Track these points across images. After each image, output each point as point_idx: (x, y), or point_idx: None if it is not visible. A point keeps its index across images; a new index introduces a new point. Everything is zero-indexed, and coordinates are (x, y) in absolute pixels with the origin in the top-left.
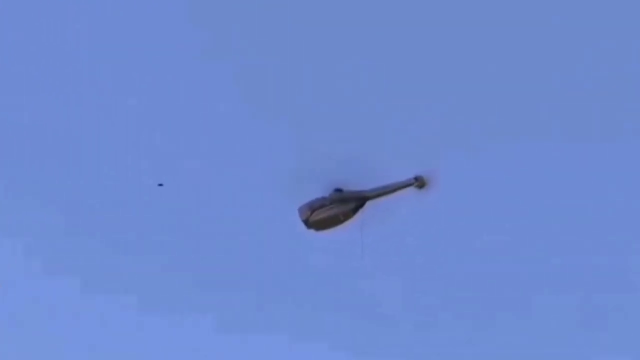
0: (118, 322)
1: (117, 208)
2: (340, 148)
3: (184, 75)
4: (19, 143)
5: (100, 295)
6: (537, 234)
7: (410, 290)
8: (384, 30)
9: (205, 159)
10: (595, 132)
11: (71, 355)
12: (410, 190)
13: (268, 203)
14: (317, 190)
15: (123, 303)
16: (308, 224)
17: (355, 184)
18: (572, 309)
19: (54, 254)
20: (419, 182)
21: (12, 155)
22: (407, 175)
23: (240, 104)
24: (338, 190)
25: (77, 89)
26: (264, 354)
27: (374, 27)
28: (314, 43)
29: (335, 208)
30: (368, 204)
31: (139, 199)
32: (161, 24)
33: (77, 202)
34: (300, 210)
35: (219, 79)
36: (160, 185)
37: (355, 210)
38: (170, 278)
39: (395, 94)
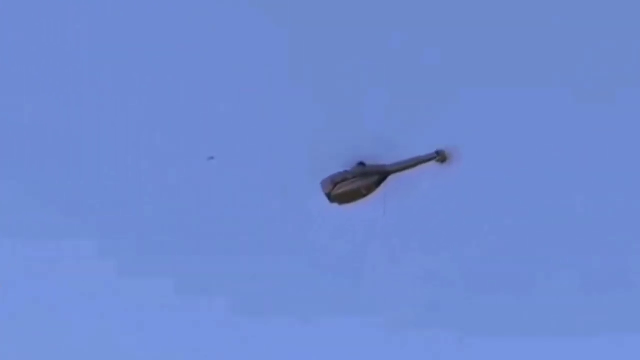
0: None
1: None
2: (362, 121)
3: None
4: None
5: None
6: (560, 209)
7: (429, 265)
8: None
9: (221, 135)
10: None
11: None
12: (432, 165)
13: (289, 178)
14: (339, 164)
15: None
16: (330, 197)
17: (377, 157)
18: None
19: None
20: (441, 157)
21: (11, 153)
22: (429, 149)
23: (262, 77)
24: (360, 163)
25: (77, 89)
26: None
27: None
28: (332, 17)
29: (357, 181)
30: (390, 177)
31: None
32: (162, 23)
33: (73, 200)
34: (323, 183)
35: (243, 50)
36: (211, 158)
37: (377, 184)
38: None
39: (416, 67)
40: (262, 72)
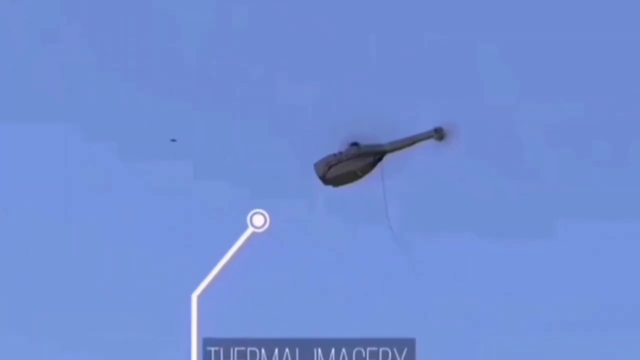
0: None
1: None
2: (356, 100)
3: None
4: None
5: None
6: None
7: (428, 244)
8: None
9: (213, 114)
10: None
11: None
12: (430, 143)
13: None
14: (333, 145)
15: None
16: (325, 180)
17: (372, 137)
18: None
19: None
20: (439, 134)
21: None
22: (427, 127)
23: (254, 55)
24: (354, 144)
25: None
26: None
27: None
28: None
29: (352, 163)
30: (386, 157)
31: None
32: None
33: None
34: (317, 166)
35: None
36: (174, 140)
37: (373, 165)
38: None
39: (412, 44)
40: (251, 53)
